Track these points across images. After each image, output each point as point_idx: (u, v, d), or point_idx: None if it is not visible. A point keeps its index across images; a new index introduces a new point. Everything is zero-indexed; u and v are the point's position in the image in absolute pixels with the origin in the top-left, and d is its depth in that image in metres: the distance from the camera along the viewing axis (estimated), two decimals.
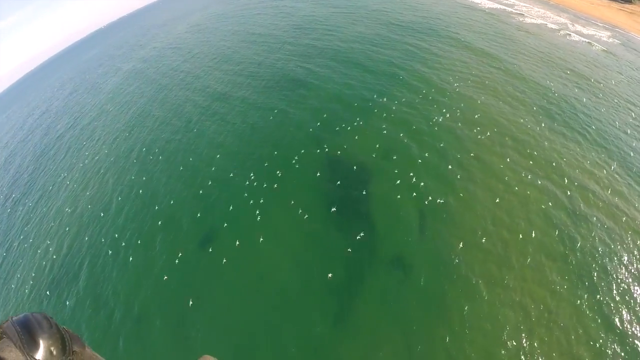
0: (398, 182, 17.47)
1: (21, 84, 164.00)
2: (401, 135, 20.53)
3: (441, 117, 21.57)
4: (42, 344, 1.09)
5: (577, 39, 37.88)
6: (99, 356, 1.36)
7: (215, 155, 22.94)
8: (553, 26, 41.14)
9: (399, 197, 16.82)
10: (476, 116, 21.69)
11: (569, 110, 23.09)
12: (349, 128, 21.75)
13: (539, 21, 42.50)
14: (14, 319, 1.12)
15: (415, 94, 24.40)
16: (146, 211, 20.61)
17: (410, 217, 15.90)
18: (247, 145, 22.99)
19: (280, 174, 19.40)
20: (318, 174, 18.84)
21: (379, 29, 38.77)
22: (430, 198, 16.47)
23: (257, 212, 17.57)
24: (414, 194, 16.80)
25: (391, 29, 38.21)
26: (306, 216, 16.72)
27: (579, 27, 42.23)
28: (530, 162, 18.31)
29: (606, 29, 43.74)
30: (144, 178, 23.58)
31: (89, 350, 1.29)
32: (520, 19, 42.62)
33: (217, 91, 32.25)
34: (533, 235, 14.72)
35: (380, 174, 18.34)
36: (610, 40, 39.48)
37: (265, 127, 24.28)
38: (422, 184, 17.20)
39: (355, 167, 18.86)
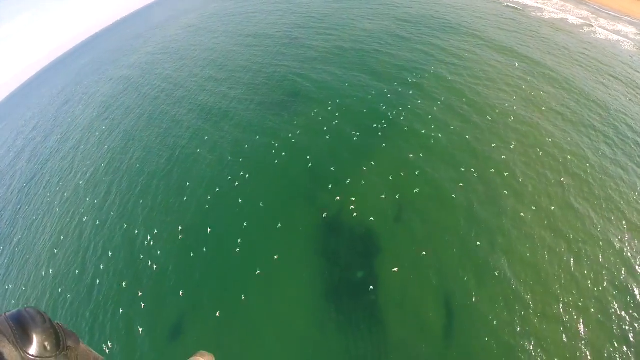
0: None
1: (15, 96, 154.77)
2: (420, 186, 16.62)
3: (472, 165, 17.92)
4: (35, 339, 1.05)
5: (604, 36, 34.43)
6: (93, 352, 1.31)
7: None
8: (575, 21, 37.59)
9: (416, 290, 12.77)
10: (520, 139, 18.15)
11: (627, 134, 19.58)
12: (349, 179, 17.63)
13: (560, 15, 38.89)
14: (7, 314, 1.08)
15: (436, 110, 20.84)
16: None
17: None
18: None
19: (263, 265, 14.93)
20: (312, 252, 14.80)
21: (387, 26, 34.77)
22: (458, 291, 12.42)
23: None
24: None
25: (401, 26, 34.20)
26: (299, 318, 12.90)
27: (602, 22, 38.74)
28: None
29: (630, 23, 40.34)
30: (125, 226, 20.00)
31: (83, 347, 1.24)
32: (539, 14, 38.93)
33: (205, 110, 29.06)
34: None
35: (392, 247, 14.29)
36: (639, 37, 36.17)
37: (249, 180, 19.74)
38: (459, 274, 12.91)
39: (361, 234, 14.94)
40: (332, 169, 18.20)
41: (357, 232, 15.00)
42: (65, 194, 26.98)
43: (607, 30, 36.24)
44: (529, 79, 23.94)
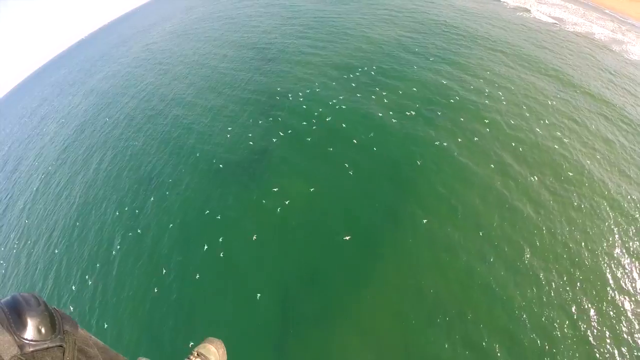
0: None
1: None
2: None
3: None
4: (30, 323, 1.03)
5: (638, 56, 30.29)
6: (93, 337, 1.28)
7: None
8: (603, 35, 33.29)
9: None
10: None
11: None
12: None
13: (583, 28, 34.55)
14: (1, 300, 1.07)
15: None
16: None
17: None
18: None
19: None
20: None
21: (396, 35, 29.41)
22: None
23: None
24: None
25: (412, 38, 28.91)
26: None
27: (631, 37, 34.70)
28: None
29: None
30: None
31: (82, 331, 1.22)
32: (561, 26, 34.52)
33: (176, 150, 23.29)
34: None
35: None
36: None
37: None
38: None
39: None
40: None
41: None
42: None
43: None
44: (589, 114, 19.12)
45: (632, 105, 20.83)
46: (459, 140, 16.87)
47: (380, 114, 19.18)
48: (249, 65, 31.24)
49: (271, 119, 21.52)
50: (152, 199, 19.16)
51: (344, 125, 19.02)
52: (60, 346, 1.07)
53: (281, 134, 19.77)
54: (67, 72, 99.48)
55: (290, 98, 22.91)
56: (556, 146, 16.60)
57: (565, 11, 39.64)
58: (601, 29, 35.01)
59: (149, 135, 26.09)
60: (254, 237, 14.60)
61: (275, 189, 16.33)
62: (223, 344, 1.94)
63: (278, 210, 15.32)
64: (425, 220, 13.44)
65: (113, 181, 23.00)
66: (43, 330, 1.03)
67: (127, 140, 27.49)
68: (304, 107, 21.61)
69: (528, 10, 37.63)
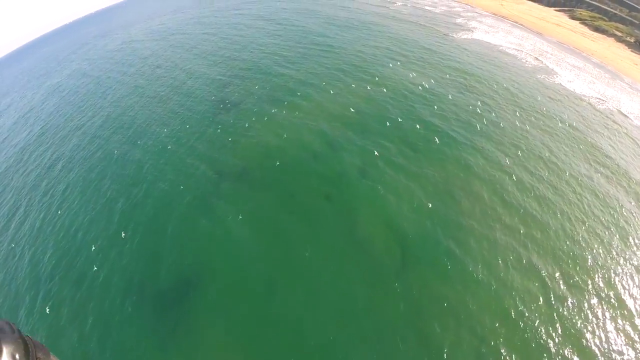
0: None
1: None
2: None
3: None
4: (4, 349, 1.05)
5: None
6: None
7: None
8: (598, 102, 30.66)
9: None
10: None
11: None
12: None
13: (582, 88, 31.91)
14: None
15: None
16: None
17: None
18: None
19: None
20: None
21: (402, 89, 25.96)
22: None
23: None
24: None
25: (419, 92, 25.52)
26: None
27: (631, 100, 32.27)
28: None
29: None
30: None
31: (54, 359, 1.24)
32: (555, 78, 31.88)
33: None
34: None
35: None
36: None
37: None
38: None
39: None
40: None
41: None
42: None
43: None
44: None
45: None
46: None
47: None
48: (204, 109, 27.24)
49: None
50: None
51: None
52: None
53: None
54: (42, 59, 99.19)
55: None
56: None
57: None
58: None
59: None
60: None
61: None
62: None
63: None
64: None
65: None
66: (17, 357, 1.05)
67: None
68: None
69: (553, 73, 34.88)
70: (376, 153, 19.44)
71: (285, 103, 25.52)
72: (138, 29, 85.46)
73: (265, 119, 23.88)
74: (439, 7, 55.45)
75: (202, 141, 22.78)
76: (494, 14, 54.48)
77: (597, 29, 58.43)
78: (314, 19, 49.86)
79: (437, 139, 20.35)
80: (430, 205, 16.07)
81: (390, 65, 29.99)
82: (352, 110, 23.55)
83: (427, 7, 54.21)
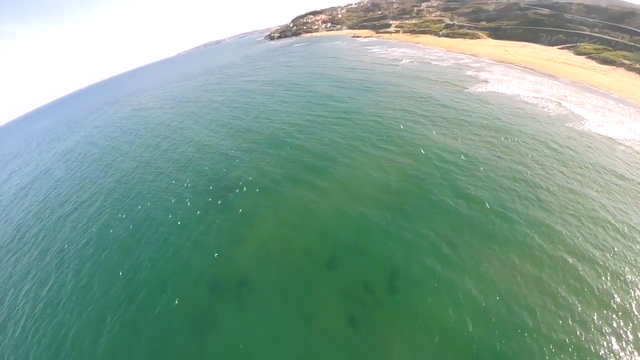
0: None
1: None
2: None
3: None
4: None
5: None
6: None
7: None
8: (635, 143, 29.02)
9: None
10: None
11: None
12: None
13: (614, 131, 30.50)
14: None
15: None
16: None
17: None
18: None
19: None
20: None
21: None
22: None
23: None
24: None
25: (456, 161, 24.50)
26: None
27: None
28: None
29: None
30: None
31: None
32: (585, 124, 30.62)
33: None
34: None
35: None
36: None
37: None
38: None
39: None
40: None
41: None
42: None
43: None
44: None
45: None
46: None
47: None
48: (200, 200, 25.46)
49: None
50: None
51: None
52: None
53: None
54: (55, 122, 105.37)
55: None
56: None
57: None
58: None
59: None
60: None
61: None
62: None
63: None
64: None
65: None
66: None
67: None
68: None
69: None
70: (413, 247, 16.66)
71: (299, 183, 23.90)
72: (148, 96, 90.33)
73: (275, 204, 21.95)
74: (445, 60, 57.10)
75: (208, 235, 21.02)
76: (501, 61, 55.44)
77: (605, 61, 58.38)
78: (323, 82, 51.16)
79: (483, 218, 18.32)
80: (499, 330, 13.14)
81: (412, 128, 29.42)
82: (376, 189, 21.70)
83: (433, 62, 55.78)
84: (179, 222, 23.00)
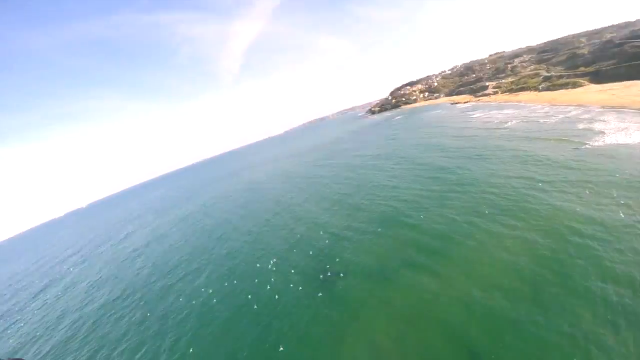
0: None
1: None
2: None
3: None
4: None
5: None
6: None
7: None
8: None
9: None
10: None
11: None
12: None
13: None
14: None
15: None
16: None
17: None
18: None
19: None
20: None
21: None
22: None
23: None
24: None
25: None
26: None
27: None
28: None
29: None
30: None
31: None
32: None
33: None
34: None
35: None
36: None
37: None
38: None
39: None
40: None
41: None
42: None
43: None
44: None
45: None
46: None
47: None
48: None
49: None
50: None
51: None
52: None
53: None
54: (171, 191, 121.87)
55: None
56: None
57: None
58: None
59: None
60: None
61: None
62: None
63: None
64: None
65: None
66: None
67: None
68: None
69: None
70: (554, 351, 13.54)
71: (413, 268, 22.01)
72: (259, 171, 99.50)
73: (387, 293, 20.59)
74: (552, 116, 55.52)
75: (314, 325, 19.96)
76: (612, 107, 51.46)
77: None
78: (431, 153, 53.80)
79: None
80: None
81: (534, 197, 28.70)
82: (503, 274, 19.00)
83: (541, 120, 54.75)
84: (282, 307, 23.67)
